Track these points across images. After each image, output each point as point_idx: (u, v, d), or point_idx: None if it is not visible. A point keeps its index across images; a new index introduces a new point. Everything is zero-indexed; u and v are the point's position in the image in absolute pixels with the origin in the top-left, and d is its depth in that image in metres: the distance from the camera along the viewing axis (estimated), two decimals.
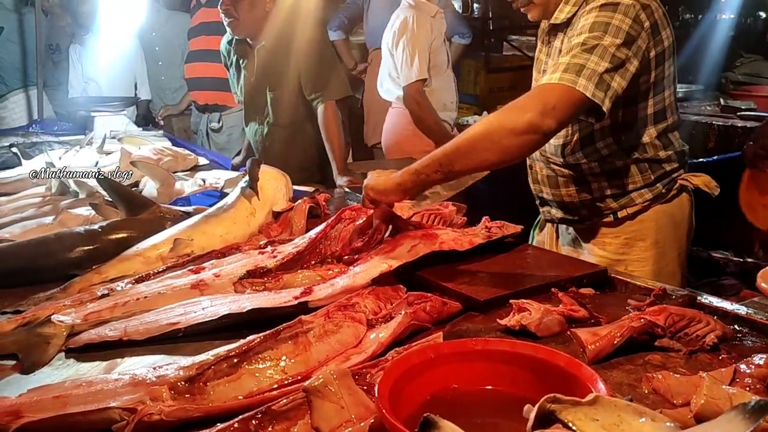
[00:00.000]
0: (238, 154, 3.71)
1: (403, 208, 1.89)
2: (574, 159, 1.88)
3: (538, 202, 2.12)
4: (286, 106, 3.09)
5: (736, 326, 1.30)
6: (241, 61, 3.17)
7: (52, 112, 4.95)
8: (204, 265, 1.62)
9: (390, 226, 1.66)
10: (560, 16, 1.82)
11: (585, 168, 1.89)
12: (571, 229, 2.05)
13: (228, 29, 3.04)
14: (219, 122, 4.70)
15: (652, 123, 1.83)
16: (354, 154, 4.68)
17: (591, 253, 1.95)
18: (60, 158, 3.03)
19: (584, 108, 1.61)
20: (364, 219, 1.68)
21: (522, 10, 1.89)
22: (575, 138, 1.85)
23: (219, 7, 2.94)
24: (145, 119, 5.18)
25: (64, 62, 5.20)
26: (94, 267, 1.68)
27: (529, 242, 2.17)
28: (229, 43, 3.20)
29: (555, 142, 1.88)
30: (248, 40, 3.07)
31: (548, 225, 2.15)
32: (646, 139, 1.84)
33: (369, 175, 1.68)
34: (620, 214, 1.90)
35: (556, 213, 2.03)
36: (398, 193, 1.61)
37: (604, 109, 1.59)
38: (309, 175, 2.99)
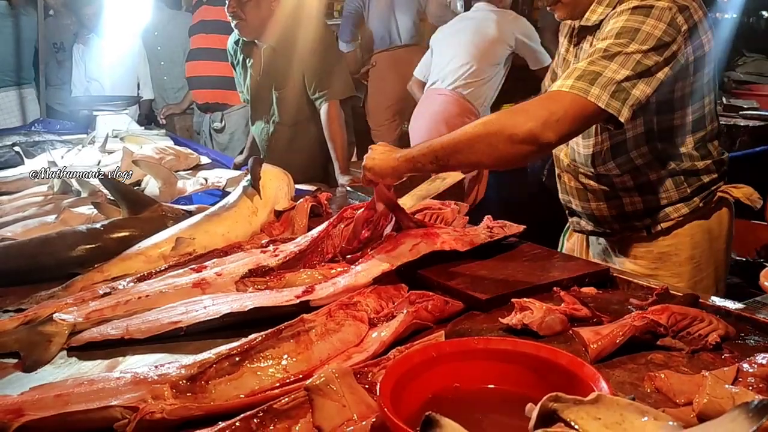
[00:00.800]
0: (241, 153, 3.71)
1: (406, 206, 1.89)
2: (606, 169, 1.79)
3: (567, 212, 2.05)
4: (291, 105, 3.10)
5: (738, 325, 1.29)
6: (247, 61, 3.18)
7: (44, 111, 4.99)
8: (206, 263, 1.61)
9: (393, 218, 1.65)
10: (592, 17, 1.71)
11: (617, 181, 1.80)
12: (602, 239, 1.97)
13: (236, 31, 3.04)
14: (221, 122, 4.70)
15: (690, 132, 1.73)
16: (358, 153, 4.69)
17: (622, 266, 1.85)
18: (62, 157, 3.04)
19: (597, 119, 1.52)
20: (364, 210, 1.66)
21: (548, 8, 1.80)
22: (606, 146, 1.76)
23: (226, 9, 2.95)
24: (148, 119, 5.19)
25: (67, 61, 5.22)
26: (96, 265, 1.68)
27: (559, 249, 2.13)
28: (236, 42, 3.21)
29: (585, 151, 1.81)
30: (255, 40, 3.08)
31: (578, 234, 2.07)
32: (683, 149, 1.74)
33: (369, 150, 1.65)
34: (653, 229, 1.82)
35: (586, 225, 1.95)
36: (393, 177, 1.60)
37: (622, 119, 1.48)
38: (312, 174, 2.99)
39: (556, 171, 2.00)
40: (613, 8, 1.64)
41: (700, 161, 1.76)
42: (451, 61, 3.92)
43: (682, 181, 1.77)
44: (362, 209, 1.67)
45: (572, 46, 1.87)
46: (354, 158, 4.16)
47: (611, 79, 1.48)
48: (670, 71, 1.56)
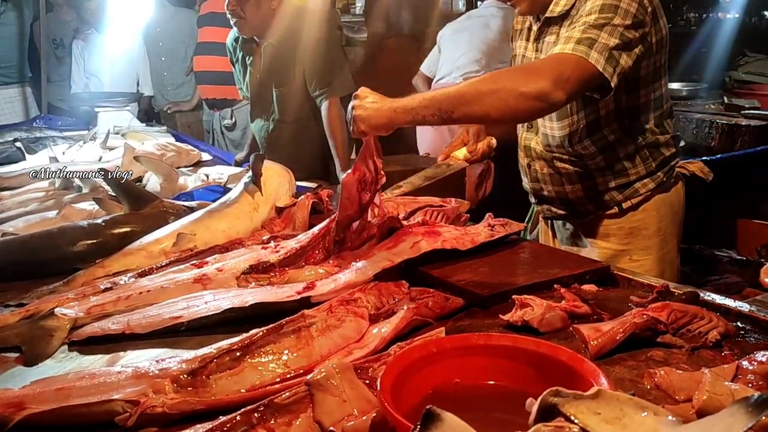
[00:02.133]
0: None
1: (406, 204, 1.89)
2: (582, 147, 1.88)
3: (535, 200, 2.10)
4: (292, 103, 3.10)
5: (738, 323, 1.29)
6: (247, 59, 3.17)
7: (40, 107, 4.99)
8: (207, 259, 1.62)
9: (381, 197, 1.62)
10: (556, 9, 1.79)
11: (590, 162, 1.90)
12: (569, 224, 2.05)
13: (235, 29, 3.04)
14: (231, 118, 4.68)
15: (652, 109, 1.86)
16: (357, 151, 4.71)
17: (594, 246, 1.96)
18: (63, 153, 3.04)
19: (594, 82, 1.61)
20: (353, 171, 1.57)
21: (508, 3, 1.87)
22: (582, 125, 1.85)
23: (225, 7, 2.95)
24: (147, 115, 5.19)
25: (67, 58, 5.21)
26: (97, 261, 1.68)
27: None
28: (236, 40, 3.21)
29: (561, 133, 1.89)
30: (255, 38, 3.07)
31: (542, 223, 2.14)
32: (646, 125, 1.87)
33: (354, 98, 1.57)
34: (624, 206, 1.92)
35: (558, 210, 2.03)
36: (388, 128, 1.56)
37: (612, 84, 1.60)
38: (312, 171, 2.99)
39: (525, 161, 2.06)
40: None
41: (661, 136, 1.90)
42: (461, 56, 4.01)
43: (647, 155, 1.90)
44: (350, 172, 1.58)
45: (529, 42, 1.93)
46: (354, 155, 4.20)
47: (606, 45, 1.59)
48: (642, 48, 1.69)
